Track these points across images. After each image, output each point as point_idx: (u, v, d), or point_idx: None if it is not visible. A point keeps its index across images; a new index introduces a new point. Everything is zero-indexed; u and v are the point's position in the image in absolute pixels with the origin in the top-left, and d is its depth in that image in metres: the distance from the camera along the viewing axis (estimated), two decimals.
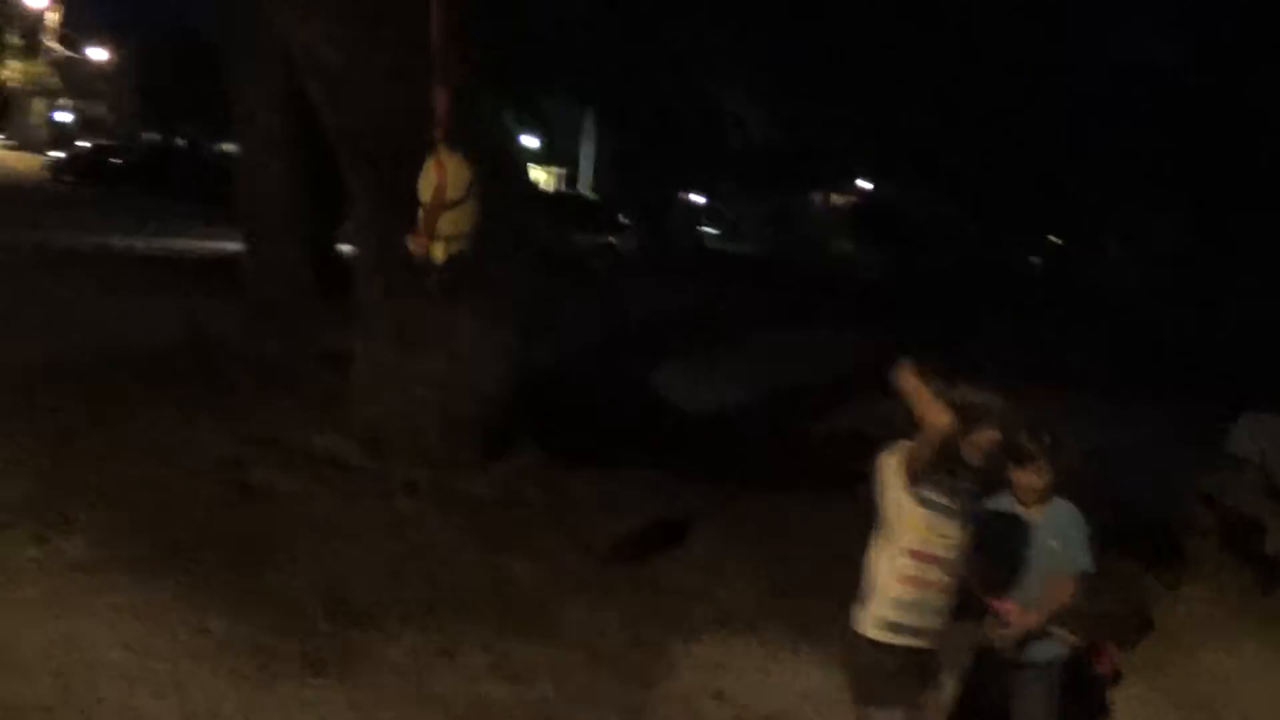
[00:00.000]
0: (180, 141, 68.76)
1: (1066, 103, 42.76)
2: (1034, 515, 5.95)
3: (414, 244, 7.47)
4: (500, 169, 9.03)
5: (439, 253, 7.47)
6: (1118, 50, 43.91)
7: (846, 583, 6.64)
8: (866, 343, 21.91)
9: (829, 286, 37.59)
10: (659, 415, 13.62)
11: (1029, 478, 5.88)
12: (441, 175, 7.30)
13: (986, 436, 5.18)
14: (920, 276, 46.00)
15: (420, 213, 7.42)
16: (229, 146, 67.73)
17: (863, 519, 5.39)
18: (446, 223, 7.42)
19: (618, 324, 16.81)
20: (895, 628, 5.13)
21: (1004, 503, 5.96)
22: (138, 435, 9.80)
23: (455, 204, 7.40)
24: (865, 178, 65.26)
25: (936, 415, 4.83)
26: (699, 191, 68.05)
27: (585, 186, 58.50)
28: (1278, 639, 8.94)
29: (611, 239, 36.35)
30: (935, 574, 5.10)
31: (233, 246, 25.89)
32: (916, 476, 5.04)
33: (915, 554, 5.08)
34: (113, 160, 51.81)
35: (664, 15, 40.38)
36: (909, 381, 5.01)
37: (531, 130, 52.71)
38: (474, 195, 7.49)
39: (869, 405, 14.77)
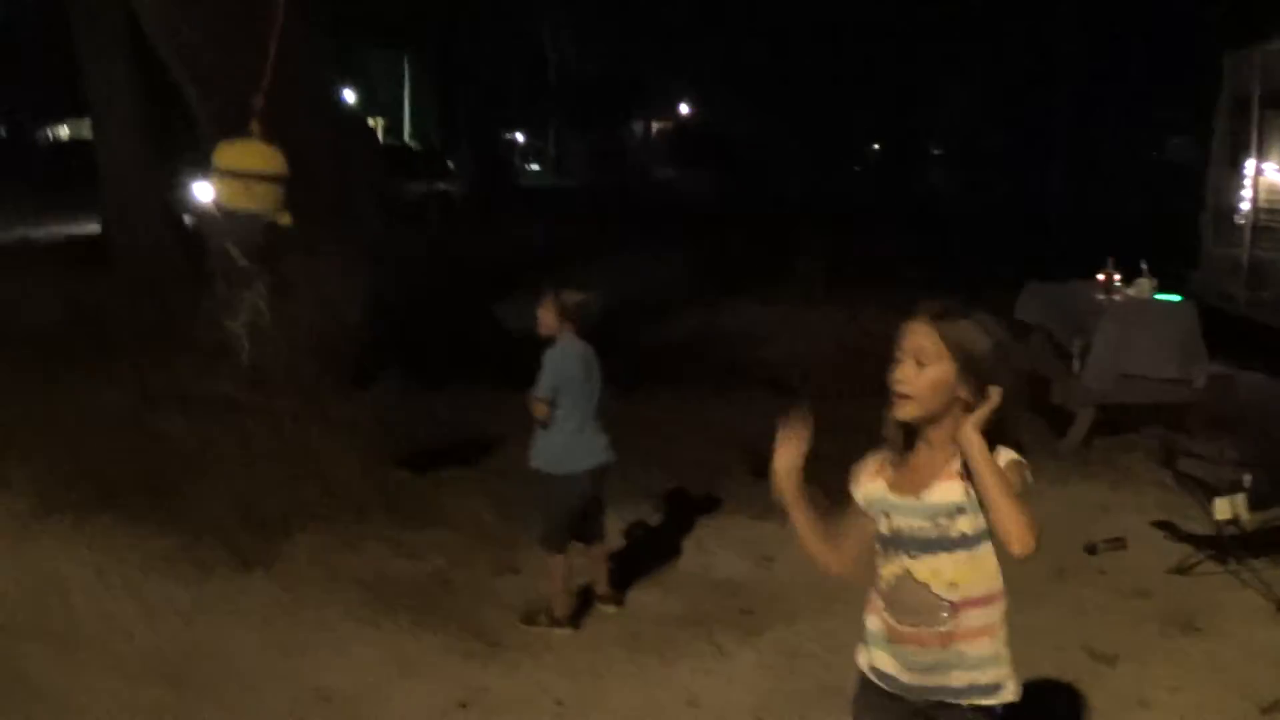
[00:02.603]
0: (2, 130, 67.74)
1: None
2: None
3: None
4: (352, 129, 10.24)
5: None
6: None
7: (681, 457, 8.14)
8: (691, 260, 23.50)
9: (653, 211, 38.71)
10: (502, 340, 15.00)
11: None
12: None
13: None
14: (741, 195, 47.29)
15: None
16: (60, 130, 67.46)
17: None
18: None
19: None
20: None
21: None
22: (45, 401, 10.87)
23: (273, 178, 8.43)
24: (685, 104, 66.45)
25: None
26: (522, 130, 68.88)
27: (407, 136, 59.14)
28: (1062, 474, 10.01)
29: (443, 185, 36.92)
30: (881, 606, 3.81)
31: (78, 229, 26.77)
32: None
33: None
34: None
35: None
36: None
37: (350, 83, 53.02)
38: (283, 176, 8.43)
39: (693, 317, 16.44)
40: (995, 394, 3.51)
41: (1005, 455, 3.51)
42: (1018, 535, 3.36)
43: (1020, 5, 43.40)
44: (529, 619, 7.28)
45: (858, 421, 10.99)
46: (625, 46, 51.02)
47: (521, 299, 17.76)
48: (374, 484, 9.15)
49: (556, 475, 7.31)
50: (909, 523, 3.65)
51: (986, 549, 3.56)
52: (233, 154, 8.08)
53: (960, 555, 3.57)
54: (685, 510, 9.02)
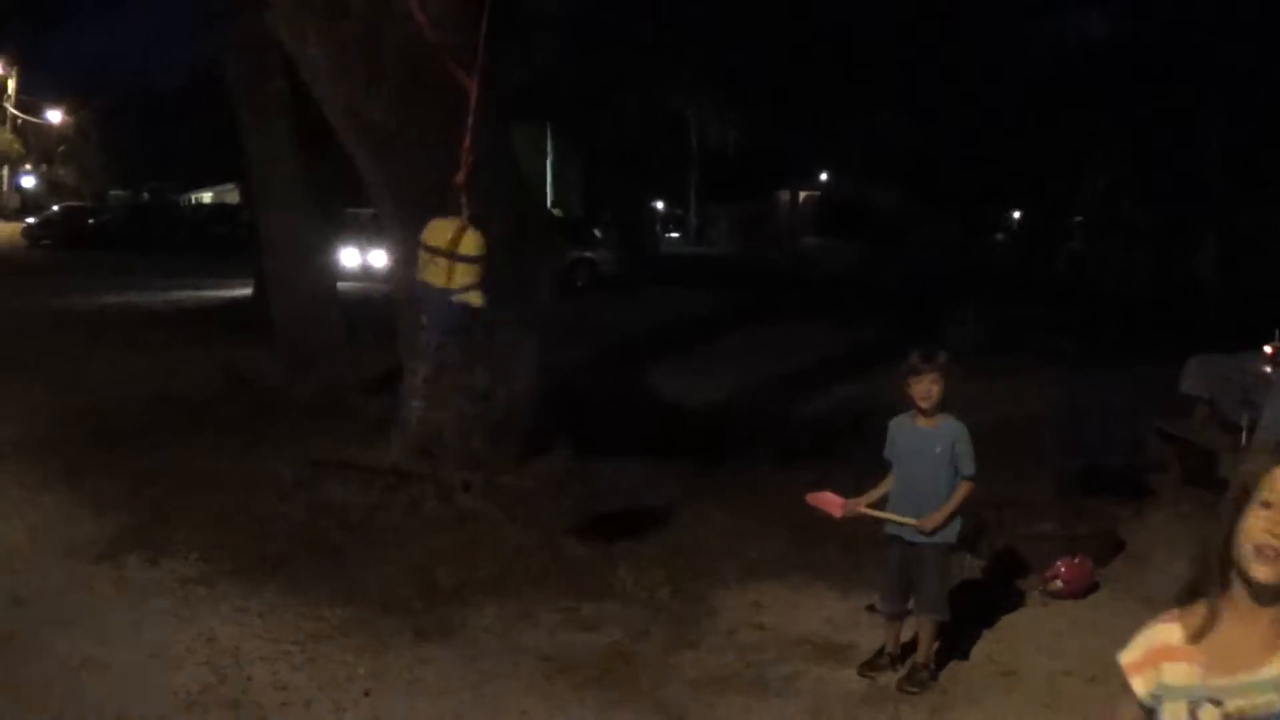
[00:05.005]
0: (145, 196, 69.81)
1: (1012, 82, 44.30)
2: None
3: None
4: (529, 201, 10.23)
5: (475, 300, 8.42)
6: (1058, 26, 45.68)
7: (852, 531, 7.98)
8: (837, 333, 23.34)
9: (795, 282, 38.63)
10: (666, 410, 14.95)
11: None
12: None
13: None
14: (884, 265, 46.97)
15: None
16: (201, 196, 69.24)
17: None
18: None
19: None
20: None
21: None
22: (211, 468, 11.01)
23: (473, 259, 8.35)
24: (829, 174, 66.23)
25: None
26: (664, 199, 69.16)
27: (549, 204, 59.55)
28: None
29: (588, 254, 37.03)
30: None
31: (225, 292, 27.26)
32: None
33: None
34: (89, 221, 52.81)
35: (615, 28, 41.39)
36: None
37: None
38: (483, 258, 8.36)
39: (843, 389, 16.25)
40: None
41: None
42: None
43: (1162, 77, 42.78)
44: (913, 682, 7.13)
45: (1037, 503, 10.71)
46: (768, 118, 50.82)
47: (678, 370, 18.04)
48: (547, 555, 9.00)
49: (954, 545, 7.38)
50: (1250, 701, 2.88)
51: None
52: (437, 232, 8.11)
53: None
54: (862, 587, 8.69)
